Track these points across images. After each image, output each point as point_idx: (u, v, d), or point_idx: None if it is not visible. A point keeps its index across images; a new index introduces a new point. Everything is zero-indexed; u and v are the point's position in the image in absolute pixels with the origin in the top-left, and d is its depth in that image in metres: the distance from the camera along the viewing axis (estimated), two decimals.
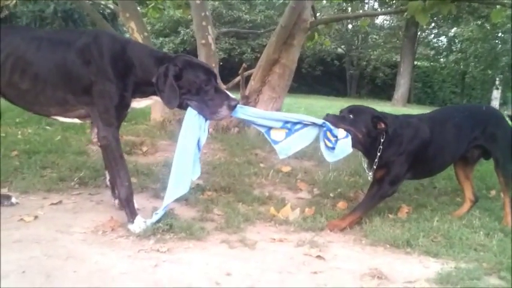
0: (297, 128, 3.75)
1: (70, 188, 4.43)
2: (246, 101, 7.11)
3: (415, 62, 36.15)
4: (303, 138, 3.77)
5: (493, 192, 5.29)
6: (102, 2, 9.45)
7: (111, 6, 8.48)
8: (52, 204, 3.97)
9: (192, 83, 3.48)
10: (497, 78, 38.54)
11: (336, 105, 22.89)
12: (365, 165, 4.13)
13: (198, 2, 7.22)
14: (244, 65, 6.92)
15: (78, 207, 3.94)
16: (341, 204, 4.43)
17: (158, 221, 3.45)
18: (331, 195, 4.81)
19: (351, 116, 3.88)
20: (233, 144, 6.53)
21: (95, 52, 3.47)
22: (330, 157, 3.78)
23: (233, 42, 31.39)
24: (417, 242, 3.54)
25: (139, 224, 3.44)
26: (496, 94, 42.18)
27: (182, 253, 3.15)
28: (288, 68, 7.23)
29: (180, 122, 7.11)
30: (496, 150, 4.29)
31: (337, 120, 3.81)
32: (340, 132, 3.70)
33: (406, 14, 7.18)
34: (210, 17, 7.60)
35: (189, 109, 3.52)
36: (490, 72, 37.18)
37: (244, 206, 4.26)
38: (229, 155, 6.09)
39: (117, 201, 3.86)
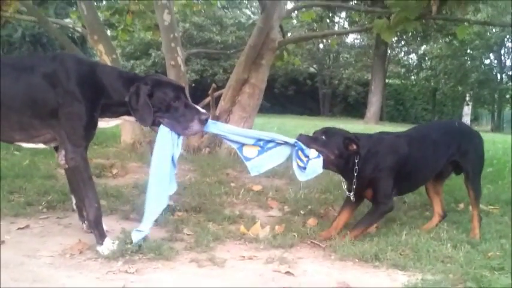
0: (269, 146, 3.80)
1: (38, 212, 4.38)
2: (217, 120, 7.13)
3: (386, 80, 36.67)
4: (275, 157, 3.81)
5: (462, 206, 5.36)
6: (70, 26, 9.43)
7: (79, 29, 8.46)
8: (19, 228, 3.91)
9: (162, 100, 3.51)
10: (467, 95, 39.26)
11: (309, 124, 23.05)
12: (344, 187, 4.17)
13: (166, 23, 7.26)
14: (214, 85, 6.97)
15: (46, 231, 3.90)
16: (311, 221, 4.44)
17: (127, 242, 3.44)
18: (302, 212, 4.82)
19: (324, 137, 3.94)
20: (204, 165, 6.54)
21: (62, 75, 3.46)
22: (301, 176, 3.83)
23: (205, 64, 31.56)
24: (385, 256, 3.56)
25: (108, 245, 3.41)
26: (467, 110, 42.97)
27: (151, 273, 3.13)
28: (258, 88, 7.29)
29: (150, 144, 7.14)
30: (468, 165, 4.38)
31: (310, 140, 3.88)
32: (312, 153, 3.76)
33: (372, 31, 7.30)
34: (179, 39, 7.64)
35: (161, 126, 3.54)
36: (460, 88, 37.88)
37: (214, 225, 4.25)
38: (200, 175, 6.09)
39: (85, 224, 3.84)
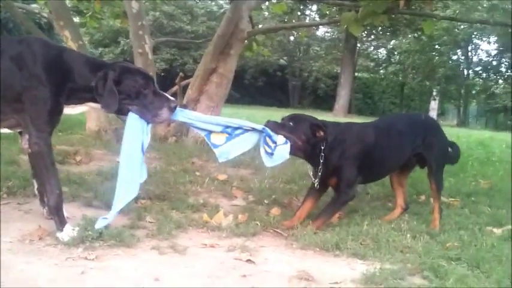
0: (237, 133, 3.81)
1: None
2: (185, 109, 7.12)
3: (356, 74, 36.95)
4: (243, 143, 3.82)
5: (423, 198, 5.46)
6: (36, 11, 9.27)
7: (45, 15, 8.32)
8: None
9: (131, 87, 3.50)
10: (434, 90, 39.84)
11: (278, 115, 23.05)
12: (311, 173, 4.20)
13: (134, 11, 7.19)
14: (181, 74, 6.95)
15: (6, 217, 3.82)
16: (274, 211, 4.47)
17: (88, 229, 3.41)
18: (266, 201, 4.86)
19: (291, 123, 3.97)
20: (170, 153, 6.51)
21: (28, 58, 3.40)
22: (268, 162, 3.85)
23: (174, 53, 31.39)
24: (346, 245, 3.61)
25: (68, 232, 3.38)
26: (434, 105, 43.59)
27: (111, 260, 3.11)
28: (226, 77, 7.28)
29: (115, 131, 7.09)
30: (431, 158, 4.45)
31: (277, 127, 3.90)
32: (279, 139, 3.77)
33: (339, 24, 7.34)
34: (147, 26, 7.58)
35: (130, 114, 3.51)
36: (427, 83, 38.43)
37: (177, 213, 4.24)
38: (165, 163, 6.06)
39: (45, 210, 3.78)
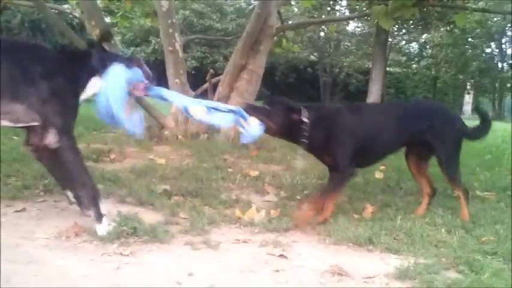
0: (214, 111, 3.86)
1: (35, 195, 4.39)
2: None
3: (387, 68, 36.50)
4: (221, 120, 3.88)
5: (457, 192, 5.36)
6: (68, 11, 9.41)
7: (77, 14, 8.43)
8: (16, 211, 3.93)
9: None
10: (468, 83, 39.21)
11: None
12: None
13: (164, 9, 7.24)
14: (211, 70, 6.97)
15: (42, 214, 3.92)
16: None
17: (123, 225, 3.45)
18: (298, 197, 4.85)
19: (267, 106, 4.04)
20: (202, 150, 6.55)
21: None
22: (242, 139, 3.97)
23: (205, 51, 31.44)
24: (379, 240, 3.59)
25: (105, 225, 3.44)
26: (468, 99, 42.96)
27: (145, 255, 3.16)
28: (256, 74, 7.29)
29: (148, 129, 7.17)
30: (440, 147, 4.34)
31: (252, 109, 3.99)
32: (252, 120, 3.85)
33: (369, 18, 7.27)
34: (177, 24, 7.63)
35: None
36: (461, 77, 37.82)
37: (210, 209, 4.27)
38: (197, 160, 6.10)
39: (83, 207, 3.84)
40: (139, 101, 7.33)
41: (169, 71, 7.44)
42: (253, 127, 3.84)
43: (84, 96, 3.70)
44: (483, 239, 3.72)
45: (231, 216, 4.08)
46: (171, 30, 7.39)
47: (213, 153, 6.47)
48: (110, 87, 3.48)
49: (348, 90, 38.53)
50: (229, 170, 5.71)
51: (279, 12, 7.58)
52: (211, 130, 7.29)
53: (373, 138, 4.26)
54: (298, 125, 4.00)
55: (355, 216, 4.24)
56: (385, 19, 6.19)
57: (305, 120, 3.98)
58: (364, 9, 20.32)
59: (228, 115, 3.85)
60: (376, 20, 6.39)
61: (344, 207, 4.37)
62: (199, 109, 3.77)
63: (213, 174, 5.41)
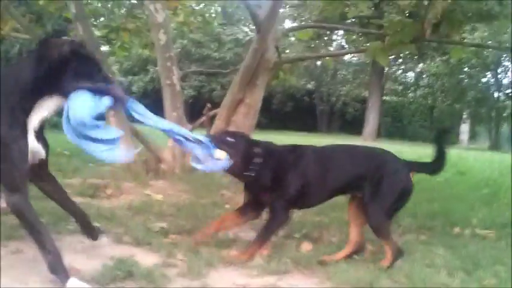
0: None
1: None
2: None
3: (384, 97, 36.75)
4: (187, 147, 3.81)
5: (457, 230, 5.33)
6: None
7: None
8: (12, 252, 3.86)
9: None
10: (464, 112, 39.44)
11: (307, 142, 22.97)
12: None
13: (162, 43, 7.26)
14: (208, 105, 6.97)
15: (38, 255, 3.82)
16: (305, 246, 4.42)
17: (118, 268, 3.39)
18: (296, 235, 4.79)
19: (230, 139, 4.04)
20: (199, 186, 6.51)
21: None
22: (196, 164, 3.88)
23: (202, 80, 31.69)
24: (379, 284, 3.54)
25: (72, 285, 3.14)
26: (465, 127, 43.13)
27: None
28: (253, 108, 7.30)
29: (146, 163, 7.13)
30: (368, 192, 4.10)
31: (219, 141, 3.95)
32: (219, 153, 3.83)
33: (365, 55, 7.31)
34: (175, 58, 7.63)
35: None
36: (457, 106, 38.07)
37: (207, 249, 4.20)
38: (194, 196, 6.05)
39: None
40: (136, 135, 7.34)
41: (167, 104, 7.44)
42: (219, 162, 3.84)
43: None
44: (484, 282, 3.67)
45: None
46: (168, 64, 7.40)
47: (210, 188, 6.43)
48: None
49: (345, 119, 38.79)
50: (227, 206, 5.67)
51: (276, 47, 7.60)
52: None
53: (319, 182, 4.22)
54: (253, 160, 4.04)
55: (355, 257, 4.17)
56: (382, 55, 6.21)
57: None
58: (362, 43, 20.52)
59: (192, 144, 3.80)
60: (373, 57, 6.41)
61: (343, 247, 4.32)
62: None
63: (210, 211, 5.37)
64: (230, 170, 4.05)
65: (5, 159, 3.09)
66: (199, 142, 3.78)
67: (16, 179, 3.15)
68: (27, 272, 3.50)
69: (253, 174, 4.04)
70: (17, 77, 3.18)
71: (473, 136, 46.18)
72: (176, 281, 3.47)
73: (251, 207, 4.28)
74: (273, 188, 4.08)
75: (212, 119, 7.58)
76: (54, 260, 3.19)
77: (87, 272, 3.41)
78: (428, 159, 4.32)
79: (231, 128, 7.22)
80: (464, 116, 39.51)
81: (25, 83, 3.14)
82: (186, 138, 3.75)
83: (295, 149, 4.37)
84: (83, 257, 3.79)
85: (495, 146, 37.33)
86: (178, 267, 3.72)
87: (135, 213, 5.12)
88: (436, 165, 4.31)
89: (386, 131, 38.99)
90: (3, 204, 3.25)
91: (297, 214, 5.38)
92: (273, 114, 33.21)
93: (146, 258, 3.82)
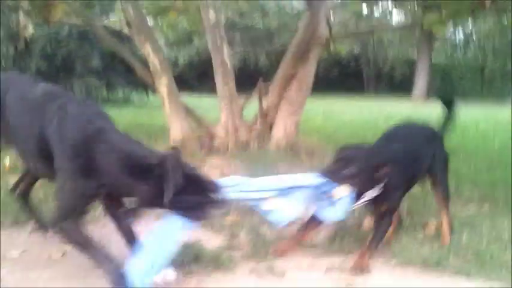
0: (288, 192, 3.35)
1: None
2: (265, 118, 7.15)
3: (432, 60, 35.97)
4: (296, 202, 3.36)
5: None
6: (116, 27, 9.52)
7: (126, 31, 8.47)
8: None
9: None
10: None
11: (356, 105, 22.67)
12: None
13: (212, 21, 7.24)
14: (260, 79, 7.00)
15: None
16: (366, 222, 4.35)
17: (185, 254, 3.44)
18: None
19: (350, 167, 3.45)
20: (253, 161, 6.51)
21: None
22: (333, 216, 3.45)
23: (247, 50, 31.55)
24: (448, 262, 3.53)
25: None
26: None
27: (210, 285, 3.17)
28: (305, 83, 7.22)
29: (200, 139, 7.19)
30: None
31: (336, 176, 3.41)
32: (341, 191, 3.34)
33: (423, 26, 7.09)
34: (225, 36, 7.59)
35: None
36: (509, 66, 37.03)
37: (268, 228, 4.20)
38: (249, 173, 6.06)
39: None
40: (188, 111, 7.39)
41: (218, 81, 7.44)
42: (343, 201, 3.33)
43: None
44: None
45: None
46: (219, 42, 7.39)
47: (265, 163, 6.43)
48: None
49: (392, 82, 38.09)
50: None
51: (328, 20, 7.46)
52: (262, 137, 7.26)
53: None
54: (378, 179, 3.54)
55: (419, 235, 4.13)
56: (439, 26, 6.02)
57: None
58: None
59: (305, 191, 3.36)
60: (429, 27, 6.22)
61: (404, 224, 4.28)
62: (272, 202, 3.31)
63: None
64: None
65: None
66: (312, 187, 3.34)
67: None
68: None
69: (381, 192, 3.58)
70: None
71: None
72: (242, 263, 3.52)
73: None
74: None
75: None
76: (113, 275, 2.94)
77: None
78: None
79: (283, 103, 7.20)
80: None
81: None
82: (295, 187, 3.33)
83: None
84: None
85: None
86: (243, 249, 3.77)
87: None
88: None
89: (435, 93, 38.32)
90: None
91: None
92: (319, 81, 32.91)
93: (210, 241, 3.87)
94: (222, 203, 3.04)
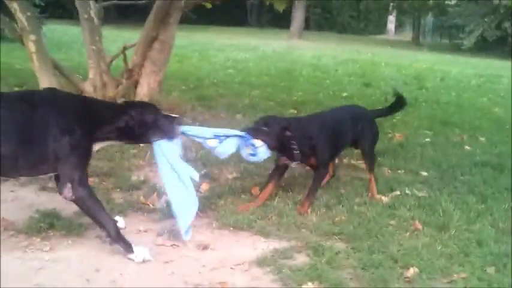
0: (224, 138, 4.50)
1: None
2: (130, 74, 7.77)
3: None
4: (231, 145, 4.53)
5: None
6: None
7: None
8: None
9: (149, 121, 4.06)
10: (391, 4, 40.12)
11: (238, 37, 23.16)
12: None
13: None
14: (124, 45, 7.57)
15: None
16: (204, 186, 5.16)
17: (41, 221, 4.19)
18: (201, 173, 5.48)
19: (265, 128, 4.68)
20: None
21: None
22: (252, 160, 4.75)
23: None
24: (255, 224, 4.44)
25: (139, 252, 3.85)
26: (392, 18, 44.11)
27: (62, 251, 3.87)
28: (167, 44, 7.92)
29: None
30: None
31: (255, 132, 4.62)
32: (257, 142, 4.56)
33: None
34: None
35: (155, 147, 4.16)
36: None
37: (120, 193, 4.98)
38: None
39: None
40: (57, 67, 7.79)
41: (85, 38, 7.89)
42: (262, 149, 4.58)
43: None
44: (336, 219, 4.64)
45: (137, 202, 4.79)
46: None
47: None
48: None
49: (274, 13, 38.72)
50: (141, 145, 5.97)
51: None
52: (128, 94, 7.88)
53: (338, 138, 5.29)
54: (289, 138, 4.77)
55: (243, 197, 5.08)
56: None
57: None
58: None
59: (235, 140, 4.54)
60: None
61: (235, 186, 5.22)
62: (213, 142, 4.44)
63: (126, 152, 6.02)
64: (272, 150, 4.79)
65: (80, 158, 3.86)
66: (240, 137, 4.54)
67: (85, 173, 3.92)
68: None
69: (296, 152, 4.82)
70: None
71: (399, 25, 47.63)
72: (91, 229, 4.18)
73: (280, 172, 5.07)
74: (313, 153, 4.94)
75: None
76: (115, 231, 3.88)
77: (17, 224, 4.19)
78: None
79: (147, 63, 7.85)
80: (390, 8, 40.27)
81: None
82: (226, 136, 4.48)
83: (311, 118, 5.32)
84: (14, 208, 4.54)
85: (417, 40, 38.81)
86: None
87: None
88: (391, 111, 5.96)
89: (315, 23, 39.63)
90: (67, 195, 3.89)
91: (201, 152, 6.03)
92: (202, 8, 32.88)
93: (66, 206, 4.36)
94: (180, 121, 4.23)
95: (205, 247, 4.13)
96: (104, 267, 3.71)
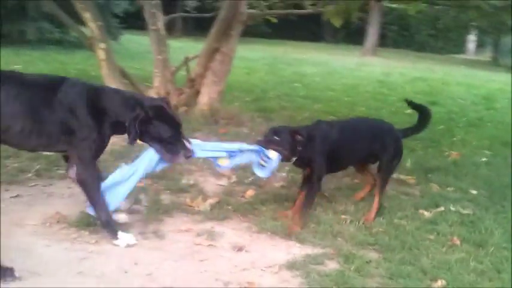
0: (237, 153, 4.60)
1: (28, 179, 5.30)
2: (192, 83, 8.10)
3: (388, 4, 36.35)
4: (243, 159, 4.64)
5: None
6: None
7: None
8: (11, 197, 4.85)
9: (159, 133, 4.16)
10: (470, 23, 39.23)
11: (309, 53, 23.23)
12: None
13: None
14: (187, 56, 7.92)
15: (33, 200, 4.84)
16: (249, 192, 5.39)
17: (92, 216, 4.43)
18: (246, 181, 5.70)
19: (276, 137, 4.65)
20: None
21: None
22: (262, 173, 4.71)
23: None
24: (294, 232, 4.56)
25: (123, 238, 4.17)
26: (472, 37, 42.95)
27: (107, 244, 4.14)
28: (228, 56, 8.21)
29: None
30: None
31: (267, 143, 4.62)
32: (272, 153, 4.55)
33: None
34: (159, 3, 8.32)
35: (150, 149, 4.27)
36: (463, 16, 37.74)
37: (169, 195, 5.21)
38: None
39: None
40: (124, 75, 8.19)
41: (153, 48, 8.29)
42: (275, 161, 4.58)
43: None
44: (374, 230, 4.71)
45: (183, 204, 5.02)
46: (153, 10, 8.17)
47: (185, 129, 7.28)
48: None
49: (349, 29, 38.71)
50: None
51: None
52: (189, 103, 8.21)
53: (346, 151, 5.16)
54: (298, 145, 4.72)
55: (286, 204, 5.17)
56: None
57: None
58: None
59: (249, 154, 4.61)
60: None
61: (279, 194, 5.37)
62: (224, 161, 4.56)
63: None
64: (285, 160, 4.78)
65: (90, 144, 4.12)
66: (254, 151, 4.59)
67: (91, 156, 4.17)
68: (24, 214, 4.52)
69: (295, 158, 4.80)
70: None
71: (481, 45, 46.32)
72: (136, 226, 4.49)
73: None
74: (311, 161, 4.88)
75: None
76: (106, 218, 4.18)
77: (72, 216, 4.48)
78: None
79: (208, 73, 8.15)
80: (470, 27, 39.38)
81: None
82: (241, 151, 4.57)
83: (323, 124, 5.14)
84: (69, 203, 4.82)
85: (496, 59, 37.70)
86: (140, 213, 4.76)
87: (117, 159, 5.98)
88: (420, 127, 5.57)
89: (392, 40, 39.20)
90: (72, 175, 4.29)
91: None
92: (277, 24, 33.24)
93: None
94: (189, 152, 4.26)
95: (240, 249, 4.30)
96: (143, 261, 3.94)
